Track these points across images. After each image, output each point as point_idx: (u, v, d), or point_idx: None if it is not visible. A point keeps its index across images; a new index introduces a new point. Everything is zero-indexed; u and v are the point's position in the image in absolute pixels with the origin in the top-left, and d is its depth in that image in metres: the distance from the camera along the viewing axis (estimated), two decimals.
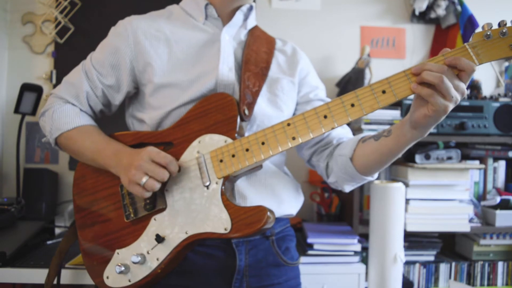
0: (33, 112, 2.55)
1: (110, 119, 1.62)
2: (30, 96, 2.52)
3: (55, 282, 1.65)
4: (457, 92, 1.12)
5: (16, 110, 2.50)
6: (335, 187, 1.55)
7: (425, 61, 1.15)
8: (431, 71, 1.11)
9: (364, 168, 1.41)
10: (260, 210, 1.22)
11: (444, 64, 1.12)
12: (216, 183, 1.28)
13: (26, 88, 2.51)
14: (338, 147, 1.49)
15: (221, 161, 1.28)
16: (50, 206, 2.67)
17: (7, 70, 2.85)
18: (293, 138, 1.24)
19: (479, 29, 1.19)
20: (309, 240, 2.23)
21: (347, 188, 1.52)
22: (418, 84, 1.13)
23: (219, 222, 1.24)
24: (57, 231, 2.39)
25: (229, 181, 1.31)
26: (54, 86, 2.84)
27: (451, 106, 1.13)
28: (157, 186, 1.24)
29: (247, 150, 1.27)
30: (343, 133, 1.55)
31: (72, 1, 2.81)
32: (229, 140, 1.30)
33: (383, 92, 1.17)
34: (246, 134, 1.36)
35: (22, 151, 2.84)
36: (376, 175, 1.47)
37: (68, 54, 2.85)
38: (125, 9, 2.72)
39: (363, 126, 2.40)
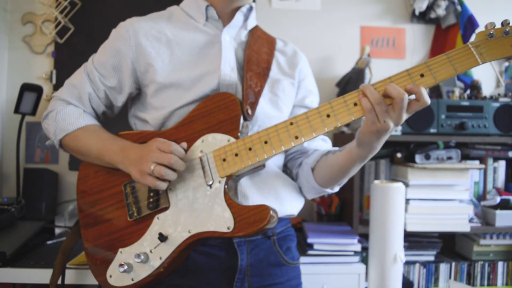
0: (33, 112, 2.54)
1: (112, 119, 1.62)
2: (30, 96, 2.51)
3: (59, 282, 1.65)
4: (391, 120, 1.17)
5: (16, 110, 2.50)
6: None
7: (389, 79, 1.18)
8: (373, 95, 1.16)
9: (320, 179, 1.46)
10: (263, 209, 1.22)
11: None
12: (219, 182, 1.28)
13: (26, 88, 2.50)
14: (308, 157, 1.53)
15: (224, 160, 1.29)
16: (50, 206, 2.67)
17: (7, 70, 2.85)
18: (296, 137, 1.24)
19: (481, 29, 1.19)
20: (309, 240, 2.24)
21: (308, 196, 1.57)
22: (364, 97, 1.17)
23: (222, 221, 1.25)
24: (57, 231, 2.39)
25: (232, 180, 1.31)
26: (54, 86, 2.85)
27: (382, 132, 1.18)
28: (165, 171, 1.24)
29: (250, 149, 1.27)
30: (322, 145, 1.58)
31: (72, 1, 2.81)
32: (232, 140, 1.30)
33: None
34: (249, 134, 1.36)
35: (22, 151, 2.84)
36: (336, 188, 1.51)
37: (68, 54, 2.85)
38: (125, 9, 2.74)
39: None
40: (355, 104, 1.20)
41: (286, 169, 1.63)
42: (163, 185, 1.27)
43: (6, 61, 2.85)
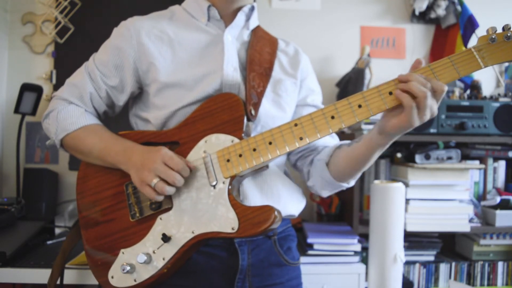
0: (33, 112, 2.55)
1: (113, 118, 1.62)
2: (30, 96, 2.52)
3: (58, 282, 1.65)
4: (430, 112, 1.17)
5: (16, 110, 2.50)
6: (314, 191, 1.59)
7: (412, 72, 1.19)
8: (418, 83, 1.15)
9: (337, 173, 1.45)
10: (268, 210, 1.22)
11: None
12: (223, 182, 1.28)
13: (26, 88, 2.50)
14: (319, 153, 1.53)
15: (228, 160, 1.28)
16: (50, 206, 2.67)
17: (7, 70, 2.85)
18: (301, 138, 1.24)
19: (481, 29, 1.21)
20: (309, 240, 2.24)
21: (324, 193, 1.57)
22: (402, 92, 1.16)
23: (226, 222, 1.24)
24: (57, 231, 2.39)
25: (235, 180, 1.31)
26: (54, 86, 2.85)
27: (419, 124, 1.19)
28: (167, 189, 1.24)
29: (254, 150, 1.27)
30: (329, 141, 1.58)
31: (72, 1, 2.81)
32: (236, 140, 1.30)
33: (390, 93, 1.20)
34: (251, 135, 1.36)
35: (22, 151, 2.84)
36: (352, 182, 1.50)
37: (68, 54, 2.85)
38: (125, 9, 2.74)
39: (364, 126, 2.41)
40: (360, 106, 1.21)
41: (295, 169, 1.63)
42: (160, 198, 1.26)
43: (6, 61, 2.85)
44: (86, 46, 2.76)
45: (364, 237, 2.27)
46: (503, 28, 1.18)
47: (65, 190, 2.85)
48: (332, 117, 1.23)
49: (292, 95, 1.56)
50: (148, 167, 1.25)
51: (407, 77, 1.17)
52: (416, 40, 3.09)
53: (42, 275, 1.83)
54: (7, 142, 2.82)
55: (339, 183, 1.46)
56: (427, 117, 1.17)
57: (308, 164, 1.56)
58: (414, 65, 1.21)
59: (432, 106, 1.16)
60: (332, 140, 1.59)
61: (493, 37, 1.16)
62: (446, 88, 1.16)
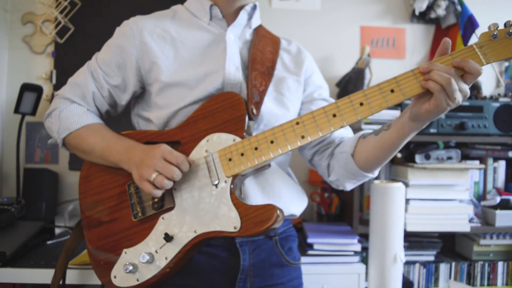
0: (33, 112, 2.55)
1: (115, 118, 1.62)
2: (30, 96, 2.52)
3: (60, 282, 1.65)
4: (461, 94, 1.15)
5: (16, 110, 2.50)
6: (336, 186, 1.57)
7: (433, 61, 1.18)
8: (440, 71, 1.13)
9: (364, 163, 1.43)
10: (270, 209, 1.22)
11: (452, 65, 1.15)
12: (225, 181, 1.28)
13: (26, 88, 2.50)
14: (339, 146, 1.51)
15: (230, 159, 1.28)
16: (50, 206, 2.66)
17: (7, 70, 2.85)
18: (302, 137, 1.24)
19: (481, 29, 1.20)
20: (309, 240, 2.24)
21: (348, 186, 1.54)
22: (427, 80, 1.16)
23: (228, 221, 1.24)
24: (57, 231, 2.39)
25: (237, 180, 1.31)
26: (54, 86, 2.85)
27: (452, 106, 1.17)
28: (165, 183, 1.23)
29: (256, 148, 1.27)
30: (345, 133, 1.57)
31: (72, 1, 2.81)
32: (238, 139, 1.30)
33: (392, 91, 1.20)
34: (254, 134, 1.36)
35: (22, 151, 2.84)
36: (376, 172, 1.49)
37: (68, 54, 2.85)
38: (125, 9, 2.75)
39: (363, 126, 2.41)
40: (361, 104, 1.21)
41: (312, 164, 1.62)
42: (158, 193, 1.26)
43: (6, 61, 2.85)
44: (86, 46, 2.78)
45: (364, 237, 2.27)
46: (505, 25, 1.17)
47: (65, 190, 2.85)
48: (334, 115, 1.23)
49: (295, 93, 1.56)
50: (147, 163, 1.25)
51: (429, 67, 1.16)
52: (416, 40, 3.10)
53: (42, 275, 1.83)
54: (7, 142, 2.82)
55: (364, 173, 1.45)
56: (459, 99, 1.15)
57: (327, 157, 1.55)
58: (442, 46, 1.20)
59: (462, 88, 1.15)
60: (346, 132, 1.58)
61: (495, 33, 1.15)
62: (482, 71, 1.14)
